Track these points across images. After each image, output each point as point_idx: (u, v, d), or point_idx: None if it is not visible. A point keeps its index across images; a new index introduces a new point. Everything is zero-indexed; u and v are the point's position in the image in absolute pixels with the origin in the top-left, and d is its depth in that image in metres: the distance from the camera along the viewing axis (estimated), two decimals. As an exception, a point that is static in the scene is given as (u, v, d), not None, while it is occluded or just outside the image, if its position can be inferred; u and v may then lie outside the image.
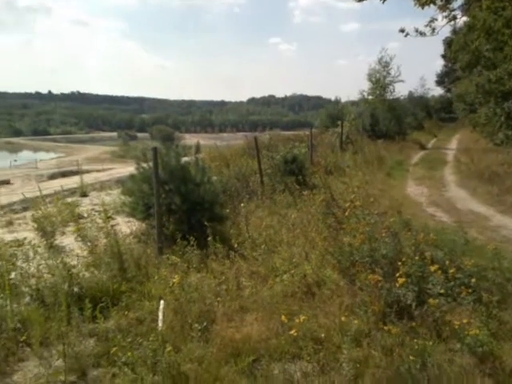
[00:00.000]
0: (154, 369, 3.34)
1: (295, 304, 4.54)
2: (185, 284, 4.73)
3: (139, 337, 3.76)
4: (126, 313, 4.39)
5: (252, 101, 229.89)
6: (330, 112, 29.59)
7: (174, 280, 4.64)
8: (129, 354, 3.41)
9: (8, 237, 6.97)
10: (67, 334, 3.90)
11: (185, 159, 7.86)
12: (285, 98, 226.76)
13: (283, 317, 4.00)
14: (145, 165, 7.60)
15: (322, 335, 3.84)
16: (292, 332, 3.70)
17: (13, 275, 4.91)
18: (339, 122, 19.66)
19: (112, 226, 6.23)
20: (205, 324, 4.00)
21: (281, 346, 3.78)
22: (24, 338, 3.91)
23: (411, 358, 3.32)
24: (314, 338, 3.83)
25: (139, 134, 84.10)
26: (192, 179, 7.37)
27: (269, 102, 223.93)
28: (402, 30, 12.34)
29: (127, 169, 25.43)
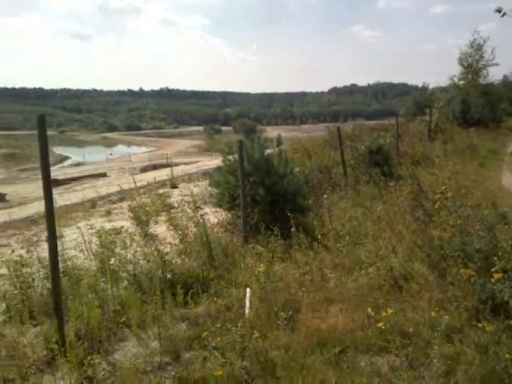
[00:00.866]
0: (242, 354, 3.46)
1: (381, 297, 4.45)
2: (270, 273, 4.83)
3: (228, 323, 3.90)
4: (215, 299, 4.57)
5: (333, 91, 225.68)
6: (417, 99, 28.25)
7: (260, 269, 4.75)
8: (218, 338, 3.57)
9: (107, 225, 7.54)
10: (161, 318, 4.16)
11: (267, 151, 7.99)
12: (368, 87, 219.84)
13: (369, 309, 3.94)
14: (231, 157, 7.84)
15: (411, 330, 3.74)
16: (379, 325, 3.64)
17: (112, 261, 5.31)
18: (427, 110, 18.71)
19: (201, 215, 6.51)
20: (290, 313, 4.06)
21: (367, 338, 3.73)
22: (123, 319, 4.22)
23: (508, 356, 3.12)
24: (401, 332, 3.74)
25: (223, 128, 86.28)
26: (275, 171, 7.47)
27: (351, 91, 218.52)
28: (499, 10, 11.39)
29: (212, 161, 26.28)
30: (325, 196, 8.24)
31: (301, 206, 7.34)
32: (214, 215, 7.92)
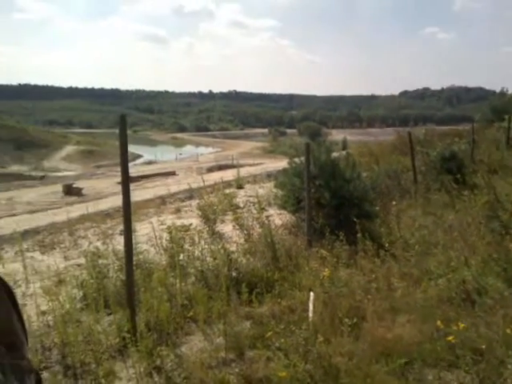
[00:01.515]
0: (305, 357, 3.46)
1: (452, 310, 4.26)
2: (334, 278, 4.78)
3: (291, 325, 3.92)
4: (279, 300, 4.60)
5: (404, 94, 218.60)
6: (495, 104, 26.63)
7: (325, 273, 4.72)
8: (282, 340, 3.60)
9: (177, 222, 7.82)
10: (227, 315, 4.26)
11: (334, 155, 7.92)
12: (441, 91, 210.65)
13: (439, 322, 3.79)
14: (296, 160, 7.85)
15: (483, 346, 3.55)
16: (449, 339, 3.50)
17: (181, 257, 5.50)
18: (506, 116, 17.60)
19: (266, 217, 6.58)
20: (355, 320, 4.00)
21: (435, 351, 3.59)
22: (191, 314, 4.36)
23: None
24: (473, 348, 3.56)
25: (288, 130, 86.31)
26: (341, 175, 7.38)
27: (423, 95, 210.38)
28: None
29: (276, 164, 26.38)
30: (393, 203, 8.02)
31: (367, 211, 7.19)
32: (278, 217, 7.96)
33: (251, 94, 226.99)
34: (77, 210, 12.59)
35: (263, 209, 8.17)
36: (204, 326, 4.24)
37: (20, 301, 4.67)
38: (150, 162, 40.71)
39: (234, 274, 5.17)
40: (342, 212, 7.01)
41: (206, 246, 5.87)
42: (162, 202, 12.54)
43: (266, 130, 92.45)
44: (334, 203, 7.07)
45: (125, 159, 3.94)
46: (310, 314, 4.29)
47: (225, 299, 4.49)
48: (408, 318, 4.19)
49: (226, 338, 3.88)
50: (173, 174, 29.94)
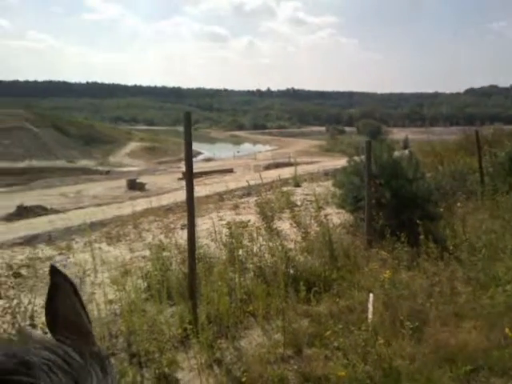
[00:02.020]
0: (364, 358, 3.42)
1: (522, 318, 4.04)
2: (395, 280, 4.68)
3: (350, 325, 3.89)
4: (337, 300, 4.57)
5: (470, 92, 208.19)
6: None
7: (385, 275, 4.63)
8: (341, 339, 3.58)
9: (235, 218, 7.96)
10: (285, 311, 4.29)
11: (395, 154, 7.73)
12: (510, 89, 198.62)
13: (507, 329, 3.62)
14: (356, 158, 7.73)
15: (556, 358, 3.35)
16: (519, 348, 3.33)
17: (240, 252, 5.60)
18: None
19: (324, 215, 6.54)
20: (416, 324, 3.90)
21: (503, 360, 3.43)
22: (250, 309, 4.43)
23: None
24: (544, 359, 3.37)
25: (346, 129, 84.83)
26: (403, 174, 7.18)
27: (490, 92, 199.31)
28: None
29: (334, 162, 26.05)
30: (458, 204, 7.70)
31: (431, 213, 6.95)
32: (336, 216, 7.88)
33: (309, 91, 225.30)
34: (140, 204, 13.11)
35: (321, 207, 8.12)
36: (263, 322, 4.29)
37: (89, 289, 4.96)
38: (208, 159, 41.51)
39: (291, 271, 5.19)
40: (404, 213, 6.82)
41: (264, 243, 5.93)
42: (220, 198, 12.78)
43: (323, 128, 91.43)
44: (395, 203, 6.89)
45: (189, 156, 4.07)
46: (370, 315, 4.23)
47: (283, 296, 4.52)
48: (474, 324, 4.03)
49: (284, 335, 3.91)
50: (230, 171, 30.37)
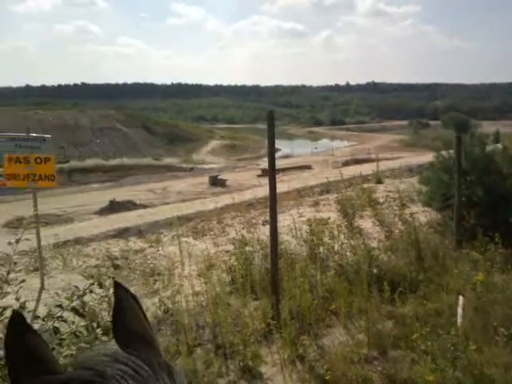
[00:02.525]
0: (454, 363, 3.27)
1: None
2: (488, 283, 4.41)
3: (438, 328, 3.73)
4: (424, 302, 4.40)
5: None
6: None
7: (478, 277, 4.37)
8: (428, 343, 3.44)
9: (315, 215, 7.93)
10: (368, 311, 4.21)
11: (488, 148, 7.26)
12: None
13: None
14: (444, 153, 7.36)
15: None
16: None
17: (321, 250, 5.57)
18: None
19: (411, 214, 6.31)
20: (512, 331, 3.64)
21: None
22: (333, 307, 4.40)
23: None
24: None
25: (431, 122, 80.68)
26: (497, 170, 6.73)
27: None
28: None
29: (418, 158, 24.93)
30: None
31: (528, 211, 6.43)
32: (422, 214, 7.56)
33: (390, 84, 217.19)
34: (222, 200, 13.50)
35: (405, 205, 7.84)
36: (345, 320, 4.25)
37: (177, 281, 5.21)
38: (287, 156, 41.64)
39: (374, 270, 5.08)
40: (498, 211, 6.38)
41: (346, 241, 5.85)
42: (299, 194, 12.78)
43: (405, 123, 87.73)
44: (487, 201, 6.47)
45: (272, 153, 4.13)
46: (459, 320, 4.02)
47: (366, 295, 4.44)
48: None
49: (368, 335, 3.85)
50: (308, 167, 30.21)
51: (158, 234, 8.69)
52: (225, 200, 12.84)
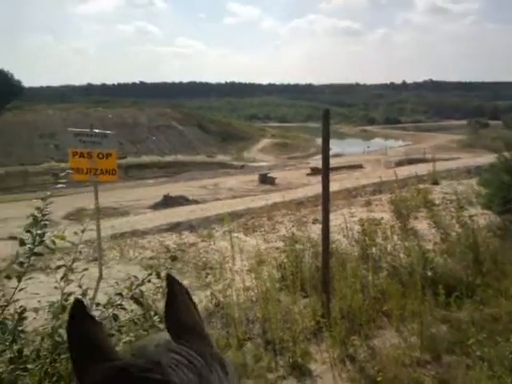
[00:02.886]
0: (512, 372, 3.14)
1: None
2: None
3: (495, 334, 3.59)
4: (481, 307, 4.24)
5: None
6: None
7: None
8: (485, 349, 3.33)
9: (367, 215, 7.80)
10: (421, 314, 4.11)
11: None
12: None
13: None
14: (506, 154, 7.03)
15: None
16: None
17: (373, 250, 5.49)
18: None
19: (469, 216, 6.07)
20: None
21: None
22: (385, 308, 4.33)
23: None
24: None
25: (491, 122, 76.92)
26: None
27: None
28: None
29: (476, 159, 23.87)
30: None
31: None
32: (481, 217, 7.25)
33: (449, 83, 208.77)
34: (271, 198, 13.55)
35: (462, 207, 7.54)
36: (397, 323, 4.17)
37: (228, 275, 5.31)
38: (338, 155, 41.11)
39: (429, 273, 4.93)
40: None
41: (399, 242, 5.73)
42: (349, 194, 12.60)
43: (463, 122, 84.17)
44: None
45: (326, 152, 4.12)
46: (520, 328, 3.85)
47: (419, 298, 4.33)
48: None
49: (421, 338, 3.76)
50: (359, 166, 29.71)
51: (209, 229, 8.87)
52: (274, 198, 12.89)
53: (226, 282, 4.85)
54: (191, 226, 9.49)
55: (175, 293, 0.71)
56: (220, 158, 38.63)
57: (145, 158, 35.73)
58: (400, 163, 30.16)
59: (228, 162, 36.11)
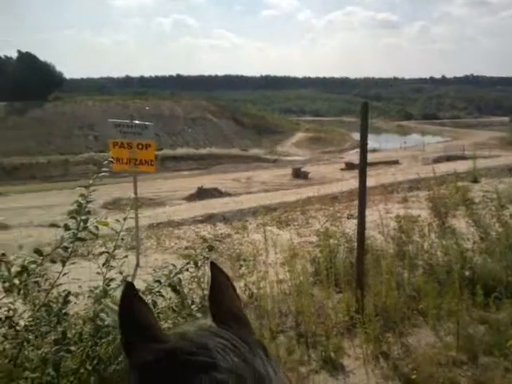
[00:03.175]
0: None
1: None
2: None
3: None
4: (521, 308, 4.12)
5: None
6: None
7: None
8: (525, 352, 3.23)
9: (404, 212, 7.67)
10: (458, 314, 4.02)
11: None
12: None
13: None
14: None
15: None
16: None
17: (409, 247, 5.40)
18: None
19: (511, 215, 5.86)
20: None
21: None
22: (421, 306, 4.26)
23: None
24: None
25: (535, 119, 73.84)
26: None
27: None
28: None
29: (517, 157, 23.05)
30: None
31: None
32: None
33: (491, 78, 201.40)
34: (304, 192, 13.51)
35: (503, 206, 7.30)
36: (432, 321, 4.10)
37: (262, 268, 5.34)
38: (373, 150, 40.51)
39: (467, 272, 4.82)
40: None
41: (437, 240, 5.61)
42: (385, 190, 12.40)
43: (505, 119, 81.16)
44: None
45: (364, 146, 4.07)
46: None
47: (457, 297, 4.24)
48: None
49: (457, 338, 3.69)
50: (395, 162, 29.25)
51: (243, 222, 8.94)
52: (307, 192, 12.85)
53: (259, 274, 4.88)
54: (224, 218, 9.59)
55: (219, 280, 0.72)
56: (254, 151, 38.75)
57: (180, 150, 36.25)
58: (438, 160, 29.46)
59: (261, 156, 36.19)
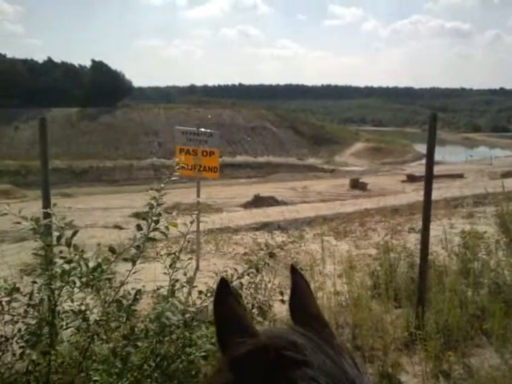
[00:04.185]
0: None
1: None
2: None
3: None
4: None
5: None
6: None
7: None
8: None
9: (469, 227, 7.34)
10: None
11: None
12: None
13: None
14: None
15: None
16: None
17: (475, 265, 5.16)
18: None
19: None
20: None
21: None
22: (485, 326, 4.06)
23: None
24: None
25: None
26: None
27: None
28: None
29: None
30: None
31: None
32: None
33: None
34: (362, 204, 13.27)
35: None
36: (498, 343, 3.90)
37: (320, 278, 5.31)
38: (437, 163, 39.11)
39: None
40: None
41: (504, 258, 5.33)
42: (449, 204, 11.93)
43: None
44: None
45: (431, 158, 3.98)
46: None
47: (526, 320, 4.02)
48: None
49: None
50: (460, 176, 28.06)
51: (300, 231, 8.93)
52: (365, 203, 12.60)
53: (316, 284, 4.86)
54: (280, 227, 9.62)
55: (298, 283, 0.75)
56: (311, 160, 38.59)
57: (239, 158, 36.81)
58: (507, 174, 27.94)
59: (318, 166, 35.94)
